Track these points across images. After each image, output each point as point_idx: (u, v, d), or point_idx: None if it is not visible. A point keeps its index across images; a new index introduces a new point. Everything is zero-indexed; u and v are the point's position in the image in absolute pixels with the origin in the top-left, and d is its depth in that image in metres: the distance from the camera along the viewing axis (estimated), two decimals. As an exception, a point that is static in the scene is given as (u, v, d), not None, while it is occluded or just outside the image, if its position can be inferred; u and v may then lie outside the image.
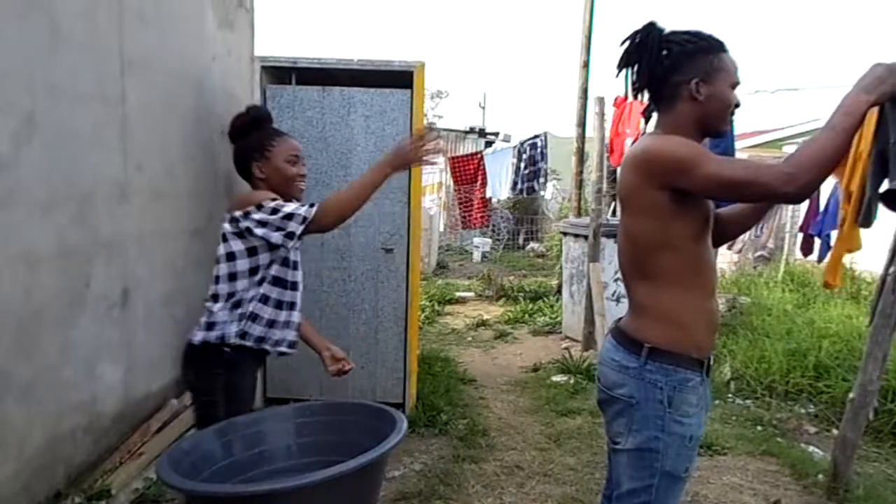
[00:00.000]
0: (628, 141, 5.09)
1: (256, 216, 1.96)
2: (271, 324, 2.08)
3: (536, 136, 9.09)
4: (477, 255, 12.57)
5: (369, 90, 3.81)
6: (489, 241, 13.05)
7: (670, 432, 1.54)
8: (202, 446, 1.77)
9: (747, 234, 8.00)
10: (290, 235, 1.94)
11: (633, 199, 1.57)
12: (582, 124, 8.32)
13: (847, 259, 1.92)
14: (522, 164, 9.12)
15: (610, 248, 5.78)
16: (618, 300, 5.98)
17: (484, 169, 8.95)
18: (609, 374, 1.63)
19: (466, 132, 16.32)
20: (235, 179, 4.67)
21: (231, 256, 2.03)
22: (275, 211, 1.95)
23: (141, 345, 3.29)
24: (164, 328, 3.57)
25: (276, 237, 1.95)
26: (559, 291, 7.21)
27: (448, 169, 8.97)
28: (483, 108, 23.80)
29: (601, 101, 5.52)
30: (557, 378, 4.88)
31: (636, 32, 1.62)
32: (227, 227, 2.06)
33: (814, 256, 5.64)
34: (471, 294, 8.53)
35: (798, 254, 7.06)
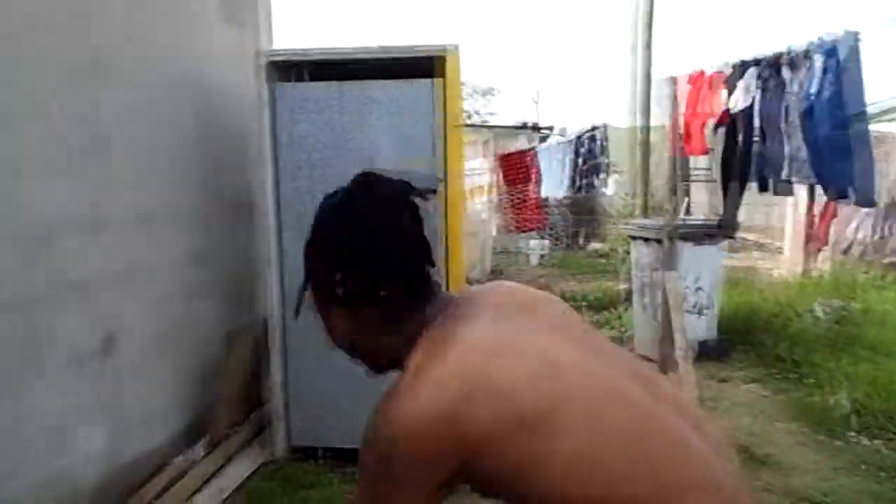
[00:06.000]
0: (710, 122, 4.32)
1: None
2: None
3: (595, 129, 8.44)
4: (534, 259, 11.83)
5: (387, 83, 3.19)
6: (546, 242, 12.28)
7: None
8: None
9: (863, 233, 6.91)
10: None
11: None
12: (646, 112, 7.51)
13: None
14: (581, 160, 8.44)
15: (688, 253, 5.07)
16: (700, 312, 5.25)
17: (537, 167, 8.29)
18: None
19: (519, 128, 15.59)
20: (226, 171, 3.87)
21: None
22: None
23: (129, 399, 2.79)
24: (157, 376, 3.07)
25: None
26: (627, 299, 6.44)
27: (498, 169, 8.33)
28: (536, 102, 22.92)
29: (674, 81, 4.77)
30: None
31: None
32: None
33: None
34: (528, 305, 7.84)
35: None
